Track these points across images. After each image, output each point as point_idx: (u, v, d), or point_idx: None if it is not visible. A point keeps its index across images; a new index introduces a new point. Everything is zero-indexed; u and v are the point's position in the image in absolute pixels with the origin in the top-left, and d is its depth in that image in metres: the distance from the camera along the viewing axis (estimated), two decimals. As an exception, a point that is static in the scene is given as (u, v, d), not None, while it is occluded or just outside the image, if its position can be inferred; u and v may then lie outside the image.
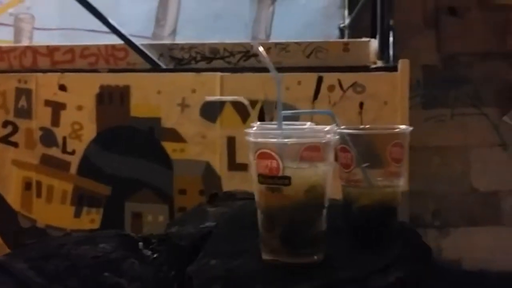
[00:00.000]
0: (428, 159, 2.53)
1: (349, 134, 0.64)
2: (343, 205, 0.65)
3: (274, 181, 0.58)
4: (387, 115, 1.65)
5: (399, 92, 1.66)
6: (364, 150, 0.63)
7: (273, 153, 0.59)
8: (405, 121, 1.65)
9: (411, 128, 0.67)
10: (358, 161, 0.63)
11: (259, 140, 0.62)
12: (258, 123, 0.73)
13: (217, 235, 0.67)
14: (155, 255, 0.67)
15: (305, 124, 0.72)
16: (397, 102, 1.66)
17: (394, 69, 1.68)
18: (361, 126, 0.68)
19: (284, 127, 0.65)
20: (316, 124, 0.73)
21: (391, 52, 1.84)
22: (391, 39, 1.90)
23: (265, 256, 0.60)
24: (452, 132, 2.56)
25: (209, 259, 0.60)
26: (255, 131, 0.64)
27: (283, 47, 1.77)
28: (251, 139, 0.62)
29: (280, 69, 1.66)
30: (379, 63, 1.78)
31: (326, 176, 0.59)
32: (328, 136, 0.61)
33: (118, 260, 0.63)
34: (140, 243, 0.71)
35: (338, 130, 0.65)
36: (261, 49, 0.69)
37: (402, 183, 0.65)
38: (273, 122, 0.73)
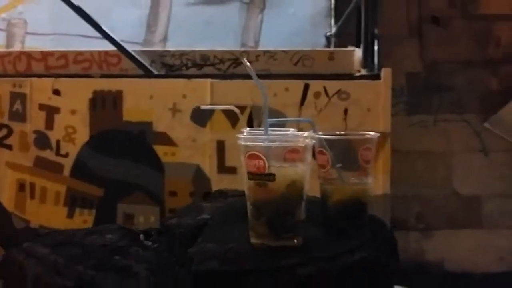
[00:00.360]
0: (412, 163, 2.60)
1: (326, 139, 0.75)
2: (320, 199, 0.73)
3: (261, 177, 0.70)
4: (371, 121, 1.71)
5: (382, 100, 1.73)
6: (339, 153, 0.75)
7: (260, 154, 0.71)
8: (387, 127, 1.72)
9: (378, 135, 0.76)
10: (333, 162, 0.72)
11: (249, 143, 0.73)
12: (248, 129, 0.81)
13: (212, 225, 0.78)
14: (155, 245, 0.74)
15: (288, 130, 0.81)
16: (380, 109, 1.72)
17: (377, 77, 1.75)
18: (337, 132, 0.77)
19: (270, 132, 0.74)
20: (300, 130, 0.83)
21: (376, 60, 1.91)
22: (376, 47, 1.96)
23: (253, 240, 0.72)
24: (435, 138, 2.64)
25: (206, 243, 0.72)
26: (245, 136, 0.76)
27: (271, 55, 1.84)
28: (242, 142, 0.73)
29: (268, 76, 1.74)
30: (363, 72, 1.85)
31: (305, 174, 0.72)
32: (307, 141, 0.72)
33: (125, 247, 0.71)
34: (141, 235, 0.78)
35: (316, 136, 0.73)
36: (248, 64, 0.76)
37: (370, 181, 0.74)
38: (261, 128, 0.82)
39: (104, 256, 0.69)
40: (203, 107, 1.36)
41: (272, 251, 0.67)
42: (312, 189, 0.75)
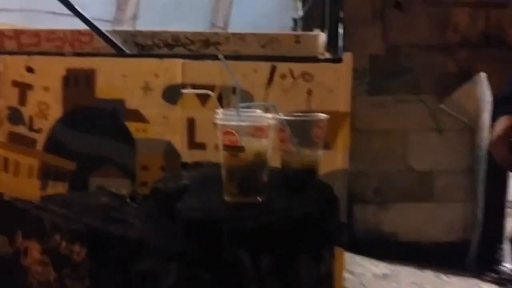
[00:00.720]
0: (371, 141, 2.75)
1: (286, 120, 0.94)
2: (281, 167, 0.96)
3: (233, 149, 0.89)
4: (332, 101, 1.82)
5: (343, 82, 1.83)
6: (296, 131, 0.93)
7: (233, 131, 0.89)
8: (347, 107, 1.83)
9: (328, 116, 0.91)
10: (291, 138, 0.93)
11: (225, 122, 0.91)
12: (222, 110, 0.95)
13: (192, 188, 0.94)
14: (143, 206, 0.86)
15: (256, 111, 0.95)
16: (341, 90, 1.82)
17: (339, 60, 1.84)
18: (295, 114, 0.92)
19: (241, 113, 0.94)
20: (266, 110, 0.95)
21: (340, 42, 1.99)
22: (340, 30, 2.05)
23: (226, 198, 0.91)
24: (394, 117, 2.78)
25: (189, 200, 0.90)
26: (221, 116, 0.93)
27: (240, 37, 1.91)
28: (219, 122, 0.91)
29: (238, 58, 1.82)
30: (327, 55, 1.94)
31: (268, 147, 0.90)
32: (270, 121, 0.91)
33: (118, 207, 0.83)
34: (127, 198, 0.89)
35: (278, 117, 0.87)
36: (224, 59, 0.87)
37: (320, 153, 0.95)
38: (233, 109, 1.01)
39: (104, 212, 0.82)
40: (184, 91, 1.46)
41: (242, 206, 0.87)
42: (274, 159, 0.89)
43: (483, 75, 2.70)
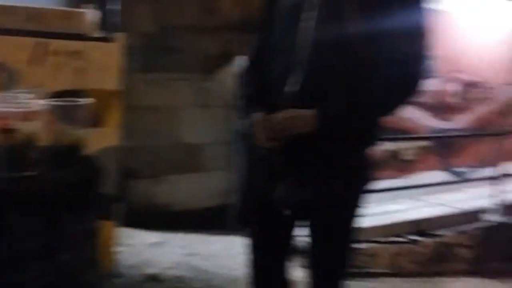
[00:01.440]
0: (144, 117, 2.88)
1: (54, 105, 1.11)
2: (51, 145, 1.12)
3: (7, 131, 1.04)
4: (104, 80, 1.87)
5: (114, 60, 1.89)
6: (64, 113, 1.11)
7: (7, 116, 1.03)
8: (119, 85, 1.91)
9: (90, 100, 1.14)
10: (59, 120, 1.10)
11: None
12: None
13: None
14: None
15: (26, 96, 1.05)
16: (113, 69, 1.89)
17: (110, 39, 1.90)
18: (63, 99, 1.11)
19: (12, 100, 1.07)
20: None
21: (115, 20, 2.01)
22: (115, 7, 2.07)
23: (2, 174, 1.04)
24: (165, 94, 2.95)
25: None
26: None
27: (5, 9, 1.80)
28: None
29: (1, 31, 1.71)
30: (99, 33, 1.98)
31: (39, 128, 1.06)
32: (40, 106, 1.07)
33: None
34: None
35: (47, 102, 1.08)
36: None
37: (86, 132, 1.14)
38: (6, 95, 1.11)
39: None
40: None
41: (16, 179, 1.04)
42: (45, 138, 1.08)
43: (241, 58, 3.04)
